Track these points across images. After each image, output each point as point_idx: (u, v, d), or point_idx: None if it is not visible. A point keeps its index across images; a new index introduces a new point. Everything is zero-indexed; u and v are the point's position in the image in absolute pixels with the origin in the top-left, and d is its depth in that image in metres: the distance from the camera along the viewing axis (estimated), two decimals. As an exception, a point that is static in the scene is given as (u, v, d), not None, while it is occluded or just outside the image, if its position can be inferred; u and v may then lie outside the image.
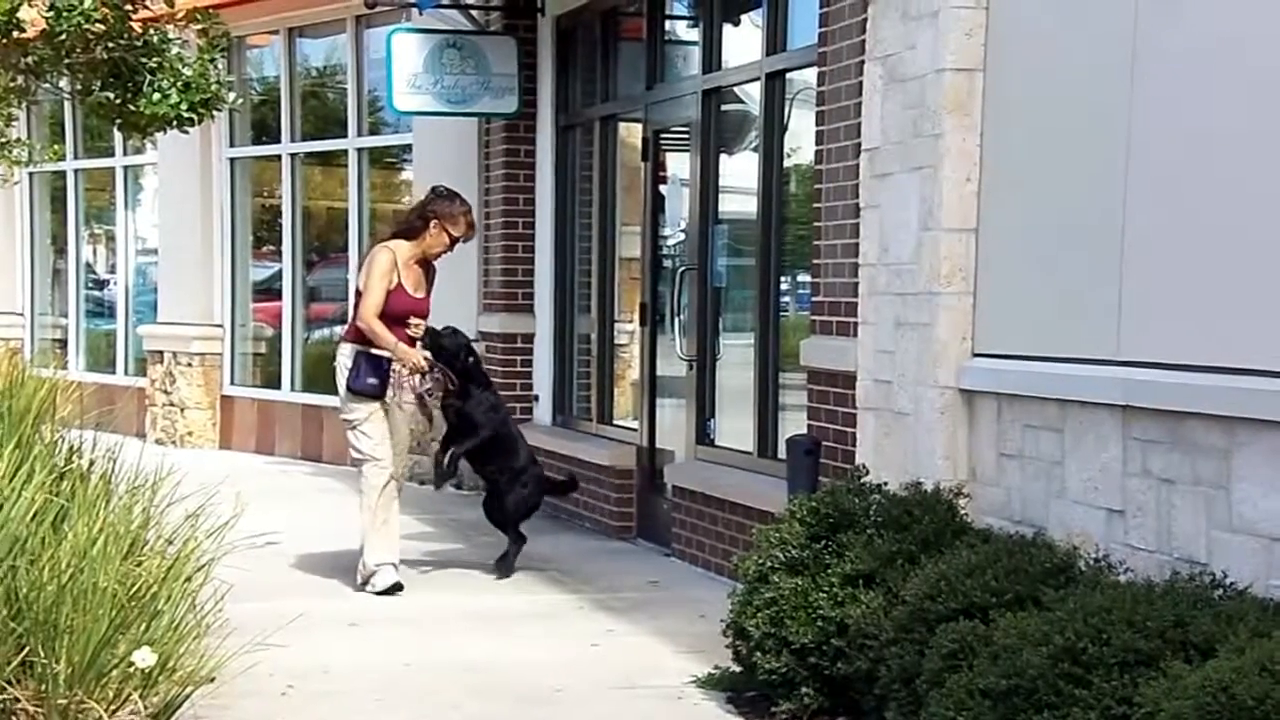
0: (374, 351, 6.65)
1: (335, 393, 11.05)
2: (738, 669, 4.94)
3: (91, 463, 5.57)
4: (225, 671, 4.44)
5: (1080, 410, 4.55)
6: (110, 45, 6.89)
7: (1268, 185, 3.95)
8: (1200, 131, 4.21)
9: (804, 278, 6.70)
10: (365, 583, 6.62)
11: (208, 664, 4.39)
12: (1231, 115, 4.10)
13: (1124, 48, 4.47)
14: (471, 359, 7.04)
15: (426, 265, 6.84)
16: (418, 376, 6.68)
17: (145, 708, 4.14)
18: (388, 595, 6.52)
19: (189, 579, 4.55)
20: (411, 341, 6.71)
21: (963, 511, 4.78)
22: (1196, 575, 3.83)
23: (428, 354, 6.74)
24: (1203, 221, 4.18)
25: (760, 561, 4.80)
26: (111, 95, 7.02)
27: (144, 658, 4.04)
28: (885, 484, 4.96)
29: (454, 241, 6.85)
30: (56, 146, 12.66)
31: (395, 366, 6.64)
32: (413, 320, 6.72)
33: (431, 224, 6.75)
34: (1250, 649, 3.16)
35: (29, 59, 7.49)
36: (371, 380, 6.64)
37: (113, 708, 4.10)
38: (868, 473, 5.10)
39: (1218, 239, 4.12)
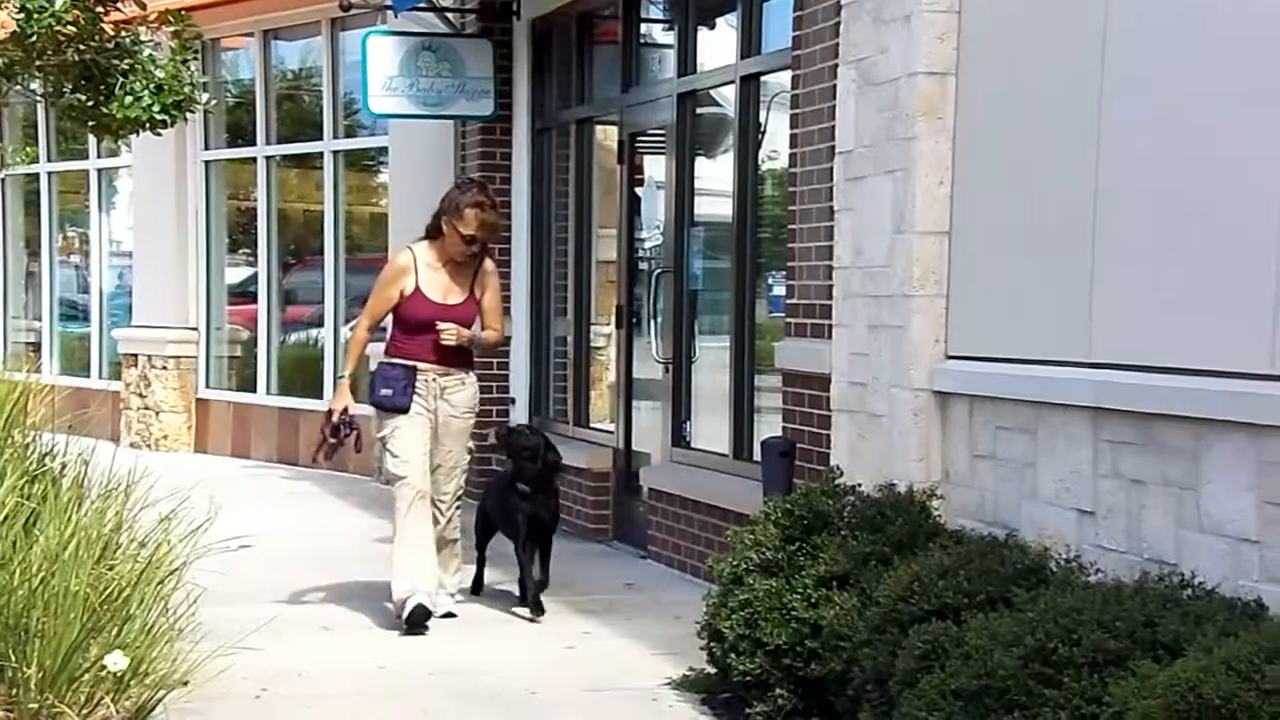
0: (394, 361, 6.02)
1: (312, 395, 11.26)
2: (712, 671, 4.95)
3: (64, 466, 5.55)
4: (198, 675, 4.44)
5: (1052, 412, 4.57)
6: (82, 47, 6.84)
7: (1234, 189, 3.98)
8: (1167, 136, 4.24)
9: (779, 279, 6.72)
10: (399, 614, 5.92)
11: (181, 668, 4.39)
12: (1198, 121, 4.12)
13: (1094, 52, 4.50)
14: (547, 461, 6.31)
15: (471, 265, 6.04)
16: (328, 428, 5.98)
17: (117, 712, 4.13)
18: (415, 631, 5.83)
19: (162, 582, 4.54)
20: (437, 348, 5.95)
21: (936, 513, 4.80)
22: (1166, 575, 3.86)
23: (349, 406, 6.01)
24: (1171, 224, 4.21)
25: (735, 563, 4.81)
26: (83, 98, 6.98)
27: (116, 661, 4.03)
28: (859, 486, 4.98)
29: (467, 241, 5.98)
30: (29, 149, 12.60)
31: (420, 377, 5.94)
32: (440, 324, 5.95)
33: (444, 222, 6.01)
34: (1218, 648, 3.19)
35: (-1, 61, 7.45)
36: (385, 391, 5.97)
37: (84, 712, 4.09)
38: (842, 474, 5.12)
39: (1186, 241, 4.15)
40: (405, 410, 5.96)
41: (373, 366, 6.21)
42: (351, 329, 6.32)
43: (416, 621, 5.85)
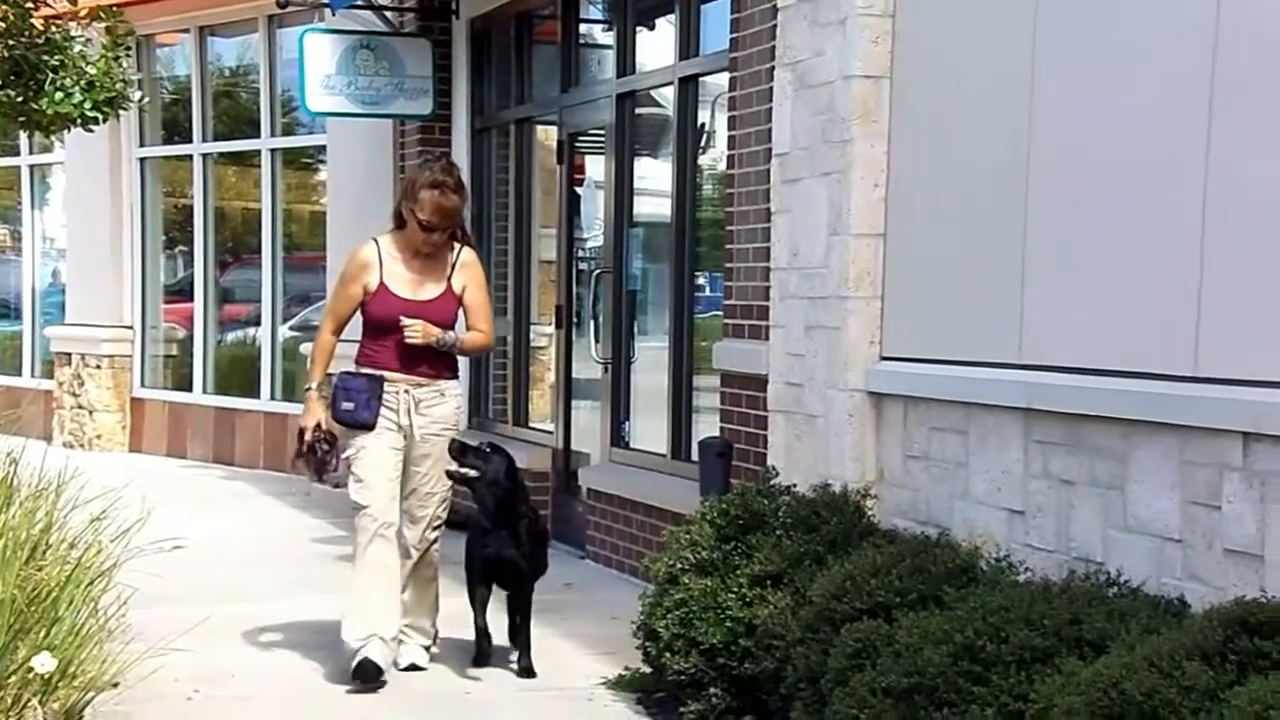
0: (361, 371, 5.25)
1: (248, 394, 11.16)
2: (647, 670, 4.97)
3: (-7, 466, 5.47)
4: (128, 677, 4.40)
5: (984, 413, 4.62)
6: (11, 43, 6.76)
7: (1159, 192, 4.05)
8: (1095, 139, 4.30)
9: (717, 280, 6.74)
10: (349, 665, 5.15)
11: (110, 669, 4.35)
12: (1124, 123, 4.19)
13: (1024, 56, 4.56)
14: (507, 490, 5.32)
15: (443, 255, 5.28)
16: (303, 449, 5.26)
17: (45, 714, 4.08)
18: (363, 686, 5.02)
19: (92, 584, 4.50)
20: (408, 353, 5.21)
21: (870, 512, 4.84)
22: (1093, 574, 3.92)
23: (322, 422, 5.24)
24: (1100, 228, 4.27)
25: (670, 563, 4.83)
26: (13, 93, 6.89)
27: (43, 663, 3.98)
28: (795, 486, 5.01)
29: (425, 228, 5.16)
30: (-40, 144, 12.44)
31: (387, 389, 5.19)
32: (404, 320, 5.18)
33: (403, 208, 5.25)
34: (1140, 645, 3.24)
35: (-71, 55, 7.33)
36: (346, 405, 5.17)
37: (11, 714, 4.04)
38: (778, 474, 5.15)
39: (1113, 245, 4.21)
40: (370, 427, 5.16)
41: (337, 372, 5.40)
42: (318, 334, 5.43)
43: (366, 678, 5.01)
